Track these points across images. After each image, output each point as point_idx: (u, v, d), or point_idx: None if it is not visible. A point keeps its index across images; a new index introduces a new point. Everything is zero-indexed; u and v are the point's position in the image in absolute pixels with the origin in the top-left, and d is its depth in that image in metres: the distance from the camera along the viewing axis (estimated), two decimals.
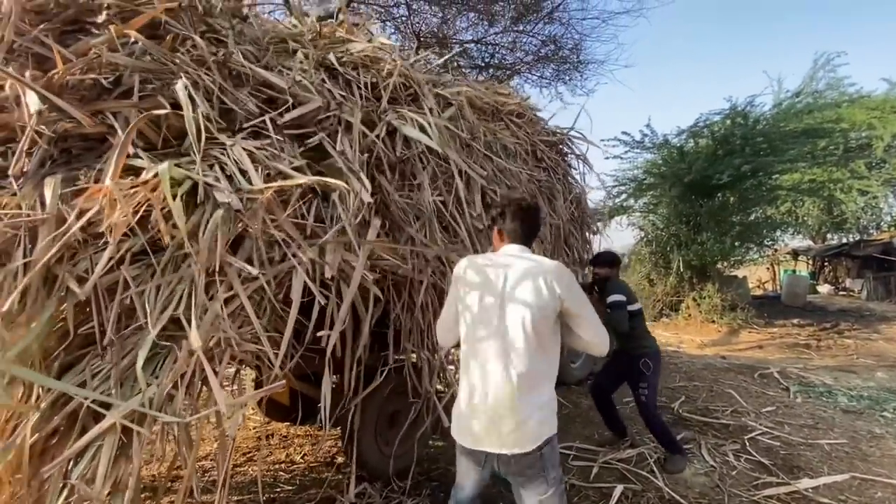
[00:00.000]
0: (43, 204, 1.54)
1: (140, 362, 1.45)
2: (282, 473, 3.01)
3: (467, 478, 1.63)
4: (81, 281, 1.50)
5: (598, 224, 4.38)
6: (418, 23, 9.68)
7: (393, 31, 10.51)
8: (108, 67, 1.77)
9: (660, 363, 3.16)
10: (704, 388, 5.04)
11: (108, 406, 1.46)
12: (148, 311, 1.51)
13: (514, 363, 1.48)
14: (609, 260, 3.23)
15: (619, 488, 2.79)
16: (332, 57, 2.57)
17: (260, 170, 1.78)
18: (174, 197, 1.53)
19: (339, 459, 3.15)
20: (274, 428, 3.75)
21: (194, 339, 1.46)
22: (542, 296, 1.49)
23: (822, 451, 3.47)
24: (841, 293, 15.56)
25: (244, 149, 1.80)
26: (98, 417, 1.48)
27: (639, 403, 3.15)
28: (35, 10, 1.85)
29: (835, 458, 3.38)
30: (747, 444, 3.51)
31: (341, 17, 3.35)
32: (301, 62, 2.42)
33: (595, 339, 1.56)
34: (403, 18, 9.72)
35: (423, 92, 2.79)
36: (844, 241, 17.55)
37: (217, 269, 1.59)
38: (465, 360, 1.58)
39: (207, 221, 1.58)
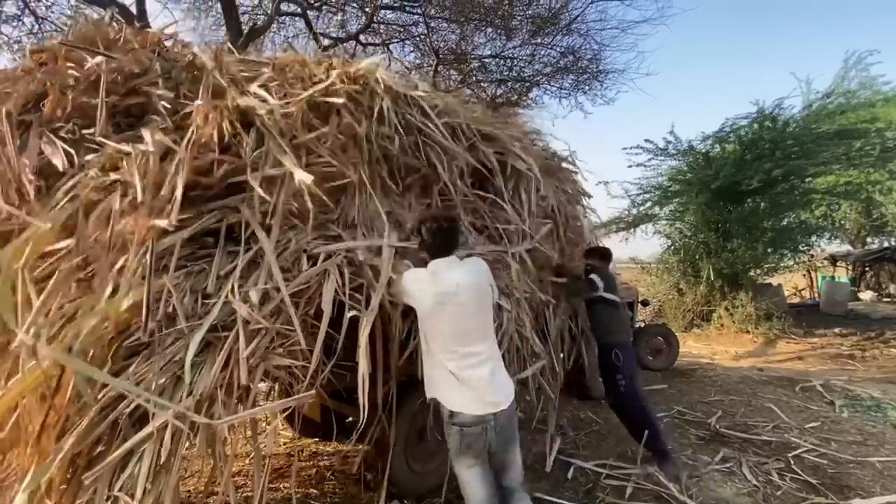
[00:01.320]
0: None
1: (191, 353, 1.52)
2: (312, 490, 3.01)
3: (476, 464, 1.89)
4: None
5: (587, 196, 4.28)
6: (437, 40, 9.86)
7: (412, 49, 10.75)
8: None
9: (631, 357, 3.35)
10: (742, 403, 4.84)
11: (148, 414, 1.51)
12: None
13: (483, 347, 1.95)
14: (600, 253, 3.53)
15: None
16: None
17: None
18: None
19: (369, 476, 3.14)
20: (303, 444, 3.77)
21: None
22: (484, 290, 2.00)
23: (874, 470, 3.27)
24: (885, 300, 14.76)
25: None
26: (140, 426, 1.53)
27: (617, 396, 3.27)
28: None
29: (887, 476, 3.18)
30: (792, 462, 3.34)
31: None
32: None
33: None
34: (422, 36, 9.92)
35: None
36: (886, 244, 16.71)
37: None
38: (442, 356, 1.91)
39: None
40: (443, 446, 2.66)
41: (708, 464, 3.32)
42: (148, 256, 1.58)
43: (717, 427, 4.04)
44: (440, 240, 1.98)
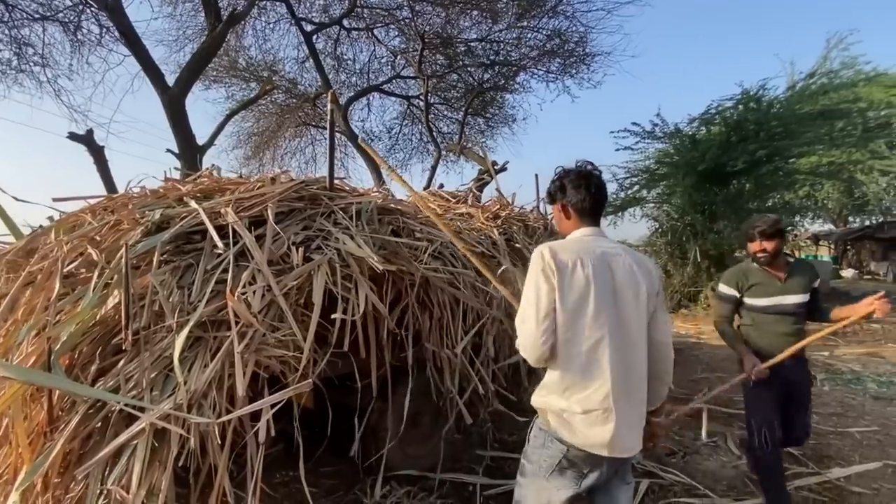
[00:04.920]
0: None
1: (177, 352, 1.49)
2: (307, 476, 3.03)
3: None
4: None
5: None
6: (422, 24, 9.70)
7: (397, 33, 10.57)
8: None
9: None
10: (727, 380, 4.94)
11: (142, 409, 1.50)
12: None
13: (635, 364, 1.39)
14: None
15: (644, 483, 2.76)
16: None
17: None
18: None
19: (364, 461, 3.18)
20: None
21: None
22: (650, 295, 1.43)
23: (853, 440, 3.39)
24: (865, 277, 15.15)
25: None
26: (130, 421, 1.53)
27: None
28: None
29: (866, 446, 3.31)
30: None
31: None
32: None
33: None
34: (407, 20, 9.75)
35: None
36: (867, 223, 17.10)
37: None
38: (572, 366, 1.36)
39: None
40: (436, 431, 2.71)
41: (695, 439, 3.41)
42: (124, 261, 1.54)
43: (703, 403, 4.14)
44: (590, 194, 1.48)
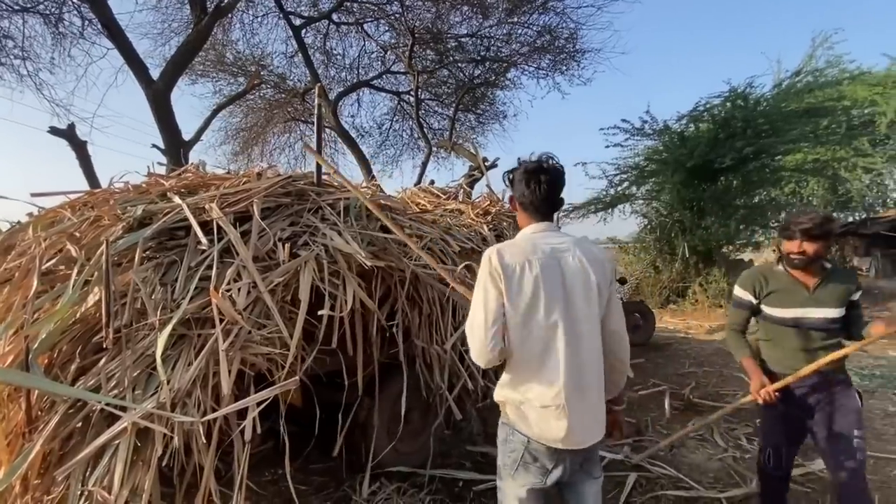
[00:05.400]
0: None
1: (160, 350, 1.46)
2: (297, 473, 3.02)
3: None
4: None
5: None
6: (412, 19, 9.64)
7: (387, 28, 10.50)
8: None
9: None
10: (714, 374, 5.03)
11: (124, 409, 1.47)
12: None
13: (589, 360, 1.39)
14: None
15: (632, 476, 2.79)
16: None
17: None
18: None
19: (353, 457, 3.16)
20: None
21: None
22: (602, 288, 1.41)
23: None
24: None
25: None
26: (112, 421, 1.50)
27: None
28: None
29: None
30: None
31: None
32: None
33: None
34: (397, 15, 9.68)
35: None
36: (850, 219, 17.40)
37: None
38: (528, 364, 1.38)
39: None
40: (426, 427, 2.71)
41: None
42: (104, 257, 1.51)
43: (691, 397, 4.19)
44: (539, 188, 1.43)
